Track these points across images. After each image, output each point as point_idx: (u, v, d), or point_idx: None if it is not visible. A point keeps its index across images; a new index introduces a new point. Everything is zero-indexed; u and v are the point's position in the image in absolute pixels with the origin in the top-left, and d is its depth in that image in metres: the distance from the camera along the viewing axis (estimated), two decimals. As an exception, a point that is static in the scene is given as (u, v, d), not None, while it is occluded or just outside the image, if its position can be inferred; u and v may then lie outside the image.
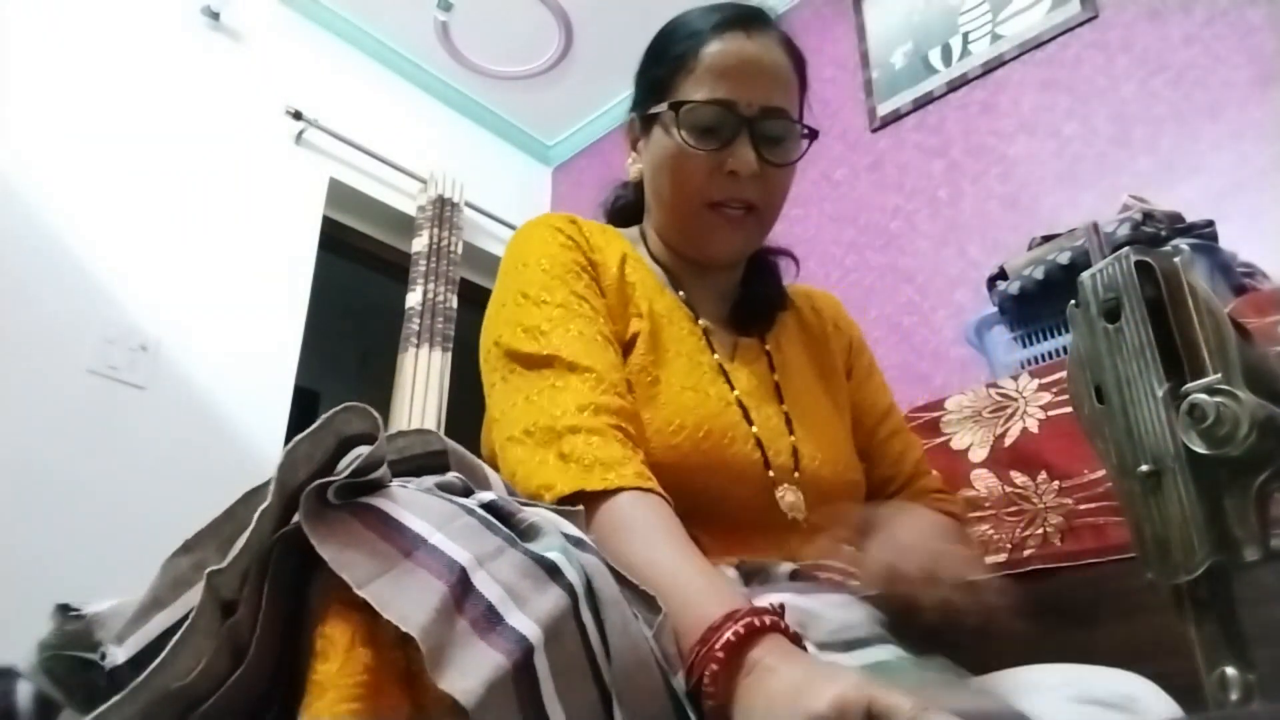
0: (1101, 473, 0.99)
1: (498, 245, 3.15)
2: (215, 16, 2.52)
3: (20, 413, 1.87)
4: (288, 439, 2.31)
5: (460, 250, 2.84)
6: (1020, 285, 1.51)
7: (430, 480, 0.50)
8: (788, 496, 0.80)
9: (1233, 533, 0.39)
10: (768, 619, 0.51)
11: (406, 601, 0.40)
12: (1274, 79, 1.78)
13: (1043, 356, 1.48)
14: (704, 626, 0.51)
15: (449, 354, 2.65)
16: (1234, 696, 0.38)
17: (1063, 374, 1.07)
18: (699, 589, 0.55)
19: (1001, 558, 1.21)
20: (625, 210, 1.00)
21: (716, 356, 0.86)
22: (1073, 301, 0.48)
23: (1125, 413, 0.44)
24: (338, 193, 2.72)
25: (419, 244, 2.74)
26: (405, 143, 2.90)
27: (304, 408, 2.96)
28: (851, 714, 0.42)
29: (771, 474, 0.79)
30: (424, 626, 0.39)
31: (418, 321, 2.62)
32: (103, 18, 2.29)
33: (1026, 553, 1.19)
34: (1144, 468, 0.42)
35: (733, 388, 0.83)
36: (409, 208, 2.86)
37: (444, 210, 2.82)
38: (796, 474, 0.81)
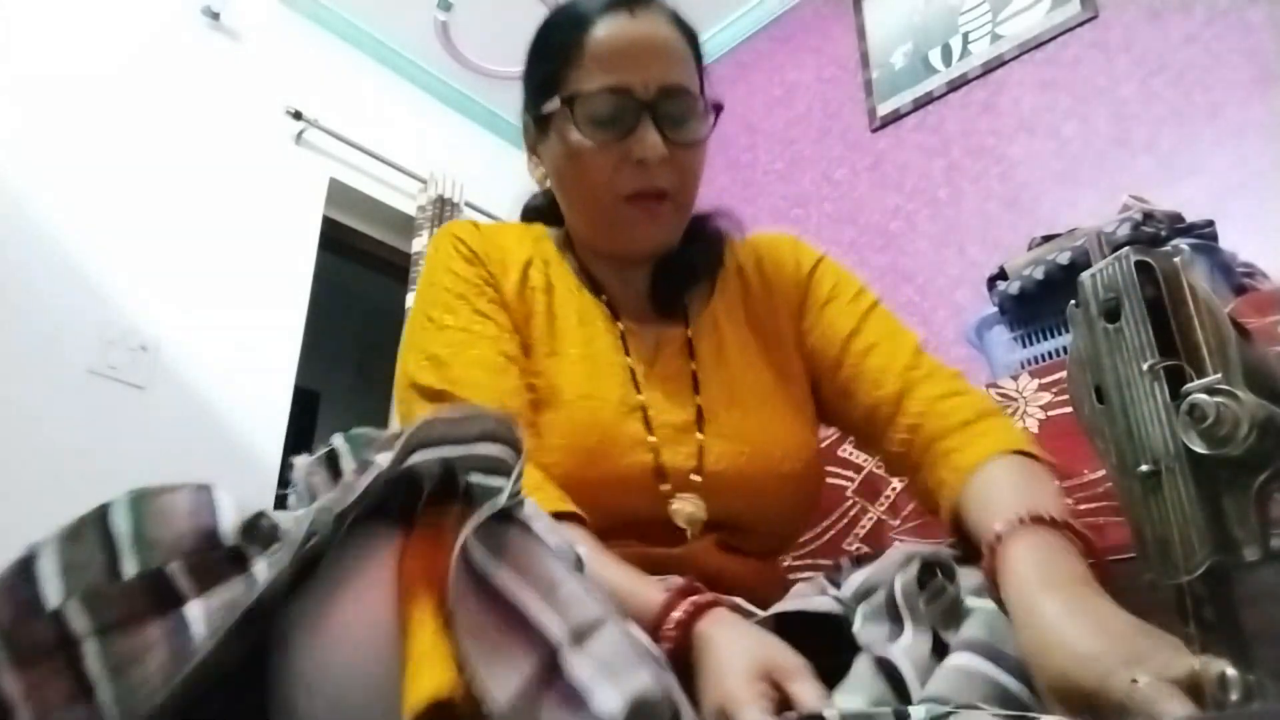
0: (1101, 473, 0.99)
1: (498, 245, 3.15)
2: (215, 16, 2.52)
3: (20, 413, 1.87)
4: (287, 439, 2.32)
5: (460, 250, 2.84)
6: (1020, 285, 1.51)
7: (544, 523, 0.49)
8: (685, 508, 0.75)
9: (1233, 533, 0.39)
10: (706, 597, 0.57)
11: (491, 677, 0.39)
12: (1274, 79, 1.78)
13: (1043, 356, 1.48)
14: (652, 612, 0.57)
15: (449, 354, 2.65)
16: (1234, 696, 0.38)
17: (1063, 374, 1.07)
18: (636, 586, 0.60)
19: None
20: (544, 216, 0.94)
21: (630, 359, 0.82)
22: (1073, 301, 0.48)
23: (1125, 413, 0.44)
24: (338, 193, 2.72)
25: (419, 244, 2.75)
26: (405, 143, 2.90)
27: (304, 408, 2.96)
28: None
29: (667, 486, 0.75)
30: (505, 708, 0.38)
31: (418, 321, 2.62)
32: (102, 17, 2.29)
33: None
34: (1144, 468, 0.42)
35: (639, 391, 0.79)
36: (409, 208, 2.86)
37: (444, 210, 2.82)
38: (699, 478, 0.76)
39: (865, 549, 1.16)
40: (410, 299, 2.67)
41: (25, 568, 0.41)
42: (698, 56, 0.84)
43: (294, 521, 0.45)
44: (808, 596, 0.64)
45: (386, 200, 2.84)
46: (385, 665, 0.40)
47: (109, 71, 2.26)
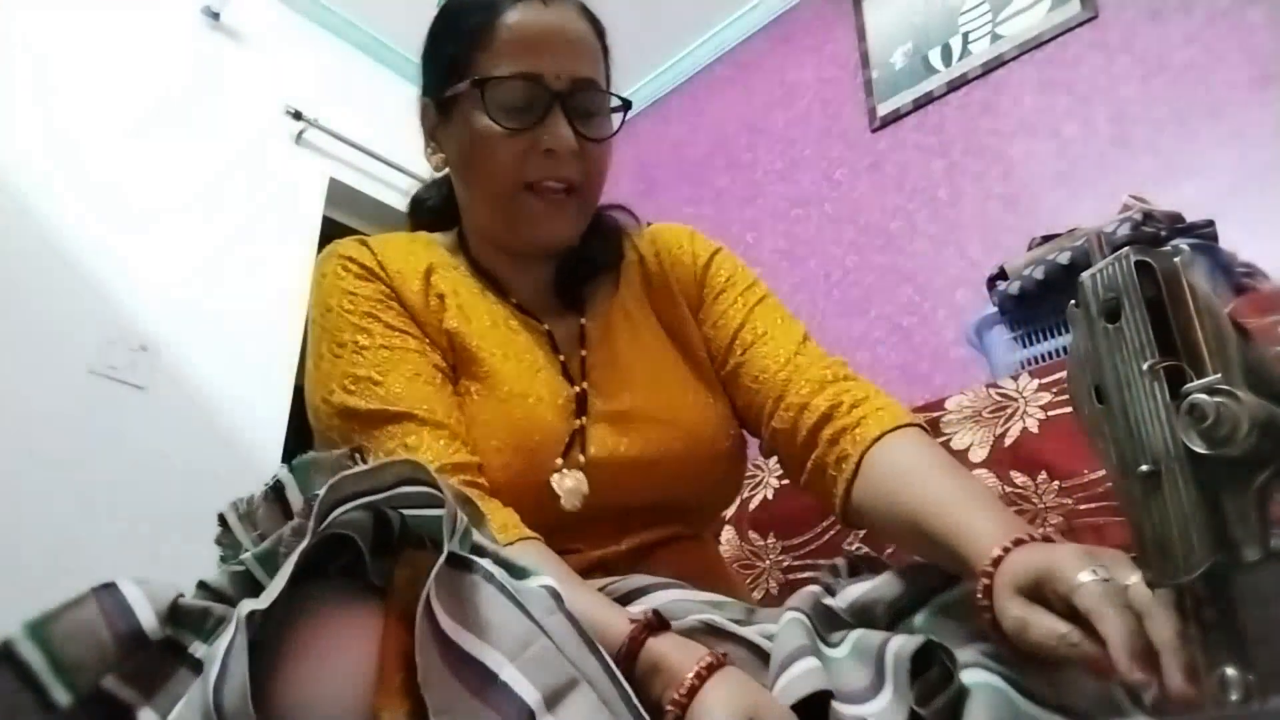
0: (1101, 473, 0.99)
1: (498, 245, 3.15)
2: (215, 16, 2.52)
3: (20, 413, 1.87)
4: (287, 439, 2.32)
5: (460, 250, 2.84)
6: (1020, 285, 1.51)
7: (490, 563, 0.48)
8: (565, 481, 0.74)
9: (1233, 533, 0.39)
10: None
11: None
12: (1274, 79, 1.78)
13: (1043, 356, 1.48)
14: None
15: (449, 354, 2.65)
16: (1234, 696, 0.38)
17: (1063, 374, 1.07)
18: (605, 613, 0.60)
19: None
20: (436, 211, 0.93)
21: (562, 355, 0.82)
22: (1073, 301, 0.48)
23: (1125, 413, 0.44)
24: (338, 193, 2.72)
25: (419, 244, 2.74)
26: (405, 143, 2.89)
27: (304, 408, 2.95)
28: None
29: (559, 462, 0.75)
30: None
31: (418, 321, 2.62)
32: (103, 18, 2.29)
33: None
34: (1144, 468, 0.42)
35: (572, 382, 0.80)
36: (409, 208, 2.86)
37: (444, 210, 2.82)
38: (582, 456, 0.76)
39: (864, 548, 1.16)
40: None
41: None
42: (606, 52, 0.84)
43: (228, 582, 0.45)
44: (797, 613, 0.62)
45: (386, 200, 2.84)
46: None
47: (109, 71, 2.26)
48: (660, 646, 0.57)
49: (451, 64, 0.81)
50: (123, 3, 2.35)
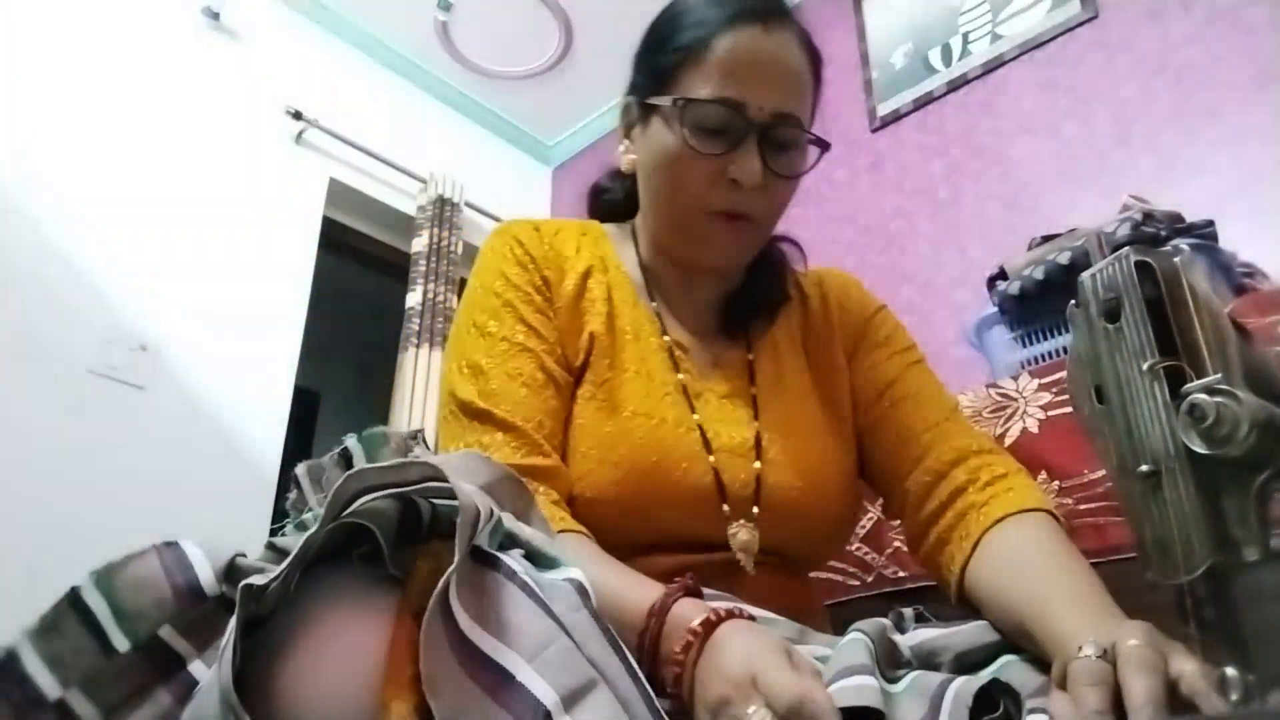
0: (1101, 473, 0.99)
1: (498, 245, 3.15)
2: (215, 16, 2.52)
3: (20, 413, 1.87)
4: (287, 439, 2.32)
5: (460, 250, 2.84)
6: (1020, 285, 1.51)
7: (518, 557, 0.48)
8: (740, 535, 0.74)
9: (1232, 533, 0.39)
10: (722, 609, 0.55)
11: None
12: (1274, 79, 1.78)
13: (1043, 356, 1.48)
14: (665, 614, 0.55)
15: (449, 354, 2.65)
16: (1234, 696, 0.38)
17: (1063, 374, 1.07)
18: (635, 585, 0.60)
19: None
20: (615, 205, 0.94)
21: (682, 376, 0.80)
22: (1073, 301, 0.48)
23: (1125, 413, 0.44)
24: (338, 193, 2.72)
25: (419, 244, 2.74)
26: (405, 143, 2.90)
27: (304, 408, 2.96)
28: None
29: (726, 508, 0.74)
30: None
31: (418, 321, 2.62)
32: (103, 18, 2.29)
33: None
34: (1144, 468, 0.42)
35: (693, 410, 0.78)
36: (409, 208, 2.86)
37: (444, 210, 2.82)
38: (756, 508, 0.75)
39: (867, 549, 1.16)
40: (410, 299, 2.67)
41: (7, 672, 0.41)
42: (818, 86, 0.82)
43: (292, 544, 0.45)
44: (863, 635, 0.58)
45: (386, 200, 2.84)
46: None
47: (109, 71, 2.26)
48: (681, 607, 0.56)
49: (660, 73, 0.80)
50: (123, 3, 2.35)
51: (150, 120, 2.29)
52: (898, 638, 0.62)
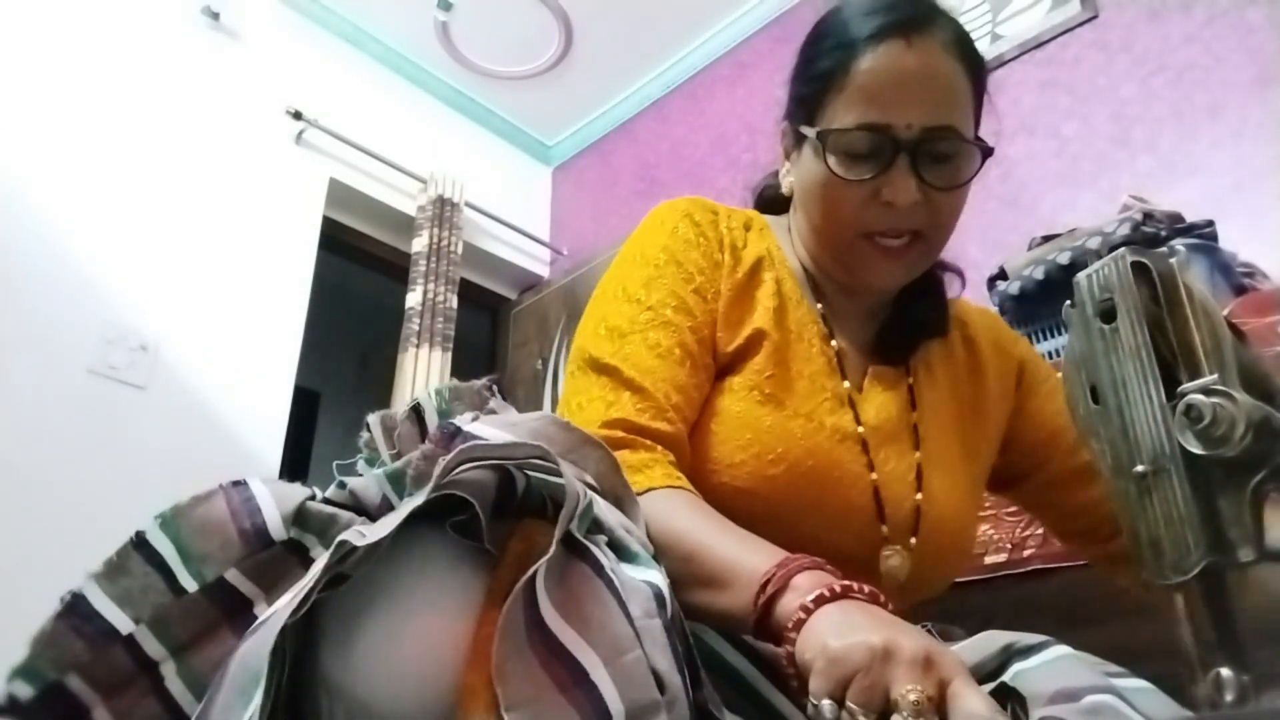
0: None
1: (497, 245, 3.15)
2: (215, 16, 2.53)
3: (20, 413, 1.88)
4: (287, 439, 2.32)
5: (460, 250, 2.84)
6: (1020, 285, 1.51)
7: (604, 547, 0.46)
8: (892, 559, 0.72)
9: (1228, 533, 0.39)
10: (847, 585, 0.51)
11: None
12: (1274, 79, 1.78)
13: (1043, 356, 1.48)
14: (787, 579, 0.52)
15: (449, 354, 2.65)
16: (1229, 697, 0.38)
17: (1059, 374, 1.07)
18: (753, 550, 0.57)
19: (1001, 558, 1.21)
20: (774, 203, 0.90)
21: (847, 384, 0.78)
22: (1068, 302, 0.48)
23: (1121, 413, 0.44)
24: (338, 193, 2.72)
25: (419, 244, 2.74)
26: (405, 143, 2.91)
27: (304, 408, 2.96)
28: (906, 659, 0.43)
29: (885, 530, 0.72)
30: None
31: (418, 321, 2.62)
32: (103, 17, 2.29)
33: (1026, 553, 1.19)
34: (1140, 468, 0.42)
35: (858, 422, 0.76)
36: (409, 208, 2.86)
37: (444, 210, 2.82)
38: (914, 539, 0.73)
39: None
40: (410, 299, 2.67)
41: (76, 609, 0.41)
42: (979, 86, 0.79)
43: (368, 486, 0.45)
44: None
45: (386, 200, 2.84)
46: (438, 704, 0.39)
47: (109, 71, 2.26)
48: (799, 579, 0.52)
49: (806, 102, 0.78)
50: (123, 3, 2.35)
51: (150, 120, 2.30)
52: None
